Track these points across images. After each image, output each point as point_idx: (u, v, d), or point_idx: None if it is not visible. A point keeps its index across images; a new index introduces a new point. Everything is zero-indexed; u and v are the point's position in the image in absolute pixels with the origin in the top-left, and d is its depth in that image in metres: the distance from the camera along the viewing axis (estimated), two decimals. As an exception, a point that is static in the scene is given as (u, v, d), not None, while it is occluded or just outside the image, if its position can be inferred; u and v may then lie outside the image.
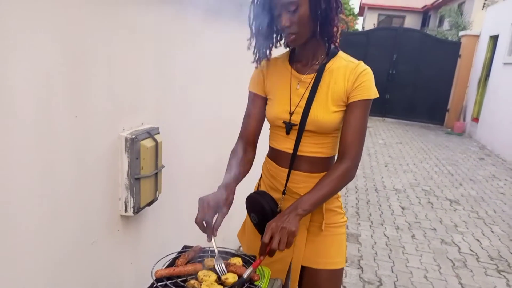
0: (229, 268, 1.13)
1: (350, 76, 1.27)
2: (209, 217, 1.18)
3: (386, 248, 3.51)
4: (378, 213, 4.34)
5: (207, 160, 1.92)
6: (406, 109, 10.93)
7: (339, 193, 1.45)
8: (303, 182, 1.34)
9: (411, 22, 19.29)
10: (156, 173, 1.53)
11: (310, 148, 1.33)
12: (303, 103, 1.29)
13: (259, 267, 1.24)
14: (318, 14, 1.21)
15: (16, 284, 1.02)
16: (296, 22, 1.20)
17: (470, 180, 5.85)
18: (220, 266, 1.09)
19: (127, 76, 1.40)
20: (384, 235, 3.78)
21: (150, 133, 1.48)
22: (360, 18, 24.61)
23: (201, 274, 1.08)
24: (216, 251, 1.16)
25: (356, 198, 4.76)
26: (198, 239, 1.90)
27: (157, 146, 1.50)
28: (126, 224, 1.48)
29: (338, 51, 1.34)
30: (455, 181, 5.76)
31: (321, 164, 1.36)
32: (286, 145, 1.35)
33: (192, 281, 1.06)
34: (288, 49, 1.41)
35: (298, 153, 1.33)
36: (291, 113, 1.31)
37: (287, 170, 1.35)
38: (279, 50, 1.44)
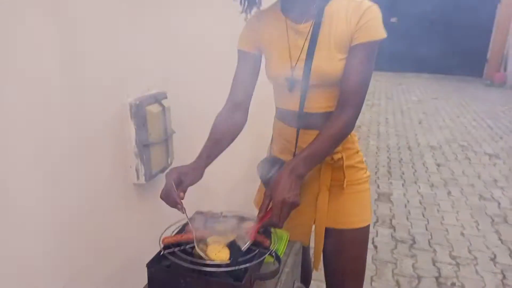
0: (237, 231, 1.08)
1: (352, 16, 1.12)
2: (173, 192, 1.10)
3: (419, 206, 3.40)
4: (411, 171, 4.19)
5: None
6: (441, 62, 10.37)
7: (359, 147, 1.36)
8: None
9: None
10: (167, 139, 1.49)
11: (318, 103, 1.22)
12: (304, 55, 1.18)
13: (275, 230, 1.18)
14: None
15: (24, 254, 1.01)
16: None
17: (512, 133, 5.53)
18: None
19: (128, 39, 1.33)
20: (418, 193, 3.65)
21: (157, 98, 1.42)
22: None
23: (210, 240, 1.03)
24: (188, 220, 1.10)
25: (388, 157, 4.60)
26: (214, 204, 1.87)
27: (164, 111, 1.44)
28: (140, 192, 1.46)
29: None
30: (495, 135, 5.45)
31: None
32: (292, 103, 1.25)
33: (201, 246, 1.01)
34: None
35: (306, 110, 1.23)
36: (292, 68, 1.20)
37: (296, 129, 1.27)
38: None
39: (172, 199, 1.08)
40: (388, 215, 3.23)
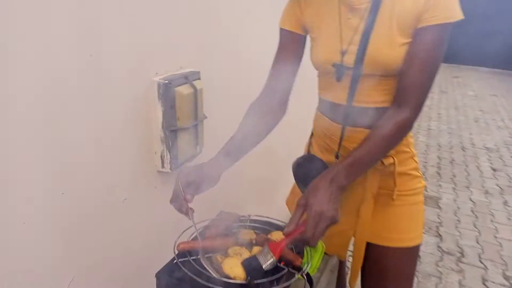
0: (265, 244, 0.91)
1: None
2: (180, 194, 0.94)
3: (471, 215, 3.09)
4: (463, 174, 3.84)
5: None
6: (503, 57, 9.54)
7: (415, 151, 1.14)
8: None
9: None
10: (197, 125, 1.34)
11: (370, 96, 1.02)
12: (358, 38, 0.97)
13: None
14: None
15: (38, 245, 0.90)
16: None
17: None
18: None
19: (159, 8, 1.18)
20: (470, 199, 3.33)
21: (188, 78, 1.26)
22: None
23: (231, 251, 0.88)
24: (195, 229, 0.93)
25: (438, 157, 4.26)
26: (241, 206, 1.71)
27: (196, 93, 1.29)
28: (164, 181, 1.33)
29: None
30: (562, 140, 4.92)
31: None
32: (339, 94, 1.05)
33: (219, 257, 0.86)
34: None
35: (355, 103, 1.03)
36: (343, 53, 1.00)
37: (341, 126, 1.07)
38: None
39: (178, 202, 0.92)
40: (435, 221, 2.96)
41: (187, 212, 0.90)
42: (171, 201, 0.94)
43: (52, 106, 0.89)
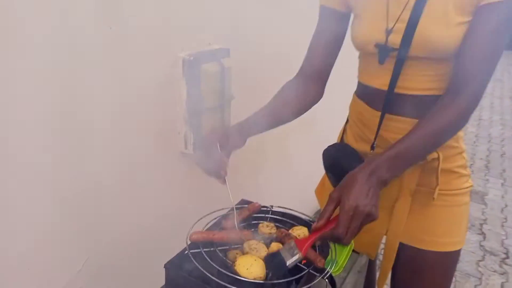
0: (285, 239, 0.83)
1: None
2: (218, 153, 0.86)
3: (520, 213, 2.87)
4: (514, 169, 3.58)
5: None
6: None
7: (463, 147, 1.02)
8: (405, 131, 0.89)
9: None
10: (223, 106, 1.27)
11: (416, 83, 0.90)
12: (407, 14, 0.86)
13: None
14: None
15: (49, 223, 0.88)
16: None
17: None
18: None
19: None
20: (520, 197, 3.10)
21: (216, 56, 1.19)
22: None
23: (247, 246, 0.81)
24: (231, 200, 0.88)
25: (488, 149, 3.98)
26: (265, 190, 1.62)
27: (224, 72, 1.21)
28: (187, 163, 1.27)
29: None
30: None
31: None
32: (380, 79, 0.94)
33: (235, 252, 0.80)
34: None
35: (398, 90, 0.92)
36: (388, 32, 0.88)
37: (380, 113, 0.96)
38: None
39: (215, 162, 0.85)
40: (479, 218, 2.76)
41: (224, 175, 0.85)
42: (200, 162, 0.87)
43: (69, 79, 0.85)
